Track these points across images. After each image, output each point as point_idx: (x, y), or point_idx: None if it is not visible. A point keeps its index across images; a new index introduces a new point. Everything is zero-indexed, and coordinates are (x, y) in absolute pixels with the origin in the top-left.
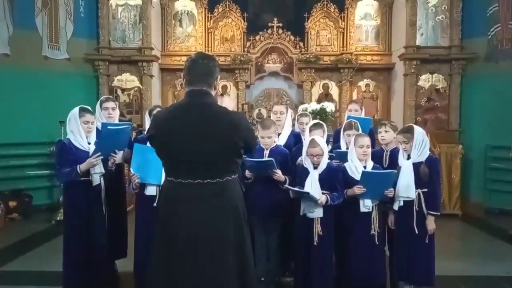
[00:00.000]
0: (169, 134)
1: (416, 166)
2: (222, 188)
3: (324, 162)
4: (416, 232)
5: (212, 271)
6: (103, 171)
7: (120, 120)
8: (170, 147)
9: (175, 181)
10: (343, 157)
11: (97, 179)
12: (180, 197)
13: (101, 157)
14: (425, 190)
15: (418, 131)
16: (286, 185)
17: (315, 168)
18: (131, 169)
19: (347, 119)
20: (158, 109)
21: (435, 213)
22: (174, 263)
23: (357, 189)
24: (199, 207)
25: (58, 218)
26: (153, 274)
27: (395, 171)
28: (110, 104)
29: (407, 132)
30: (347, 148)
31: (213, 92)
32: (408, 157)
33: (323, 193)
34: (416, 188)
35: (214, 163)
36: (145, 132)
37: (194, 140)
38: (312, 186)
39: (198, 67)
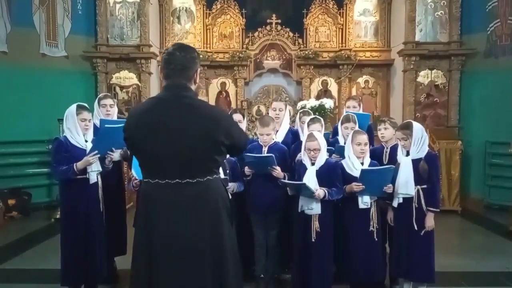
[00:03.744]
0: (143, 131)
1: (415, 162)
2: (203, 188)
3: (322, 158)
4: (416, 228)
5: (190, 280)
6: (100, 169)
7: (118, 118)
8: (144, 144)
9: (151, 182)
10: (343, 152)
11: (94, 177)
12: (158, 199)
13: (98, 155)
14: (424, 186)
15: (417, 127)
16: (283, 180)
17: (312, 164)
18: (132, 167)
19: None
20: None
21: (434, 209)
22: (154, 271)
23: (356, 187)
24: (179, 211)
25: (57, 216)
26: (135, 281)
27: (393, 166)
28: (108, 101)
29: (406, 128)
30: (345, 141)
31: (193, 86)
32: (407, 154)
33: (321, 189)
34: (415, 184)
35: (192, 161)
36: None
37: (170, 136)
38: (309, 182)
39: (175, 60)
